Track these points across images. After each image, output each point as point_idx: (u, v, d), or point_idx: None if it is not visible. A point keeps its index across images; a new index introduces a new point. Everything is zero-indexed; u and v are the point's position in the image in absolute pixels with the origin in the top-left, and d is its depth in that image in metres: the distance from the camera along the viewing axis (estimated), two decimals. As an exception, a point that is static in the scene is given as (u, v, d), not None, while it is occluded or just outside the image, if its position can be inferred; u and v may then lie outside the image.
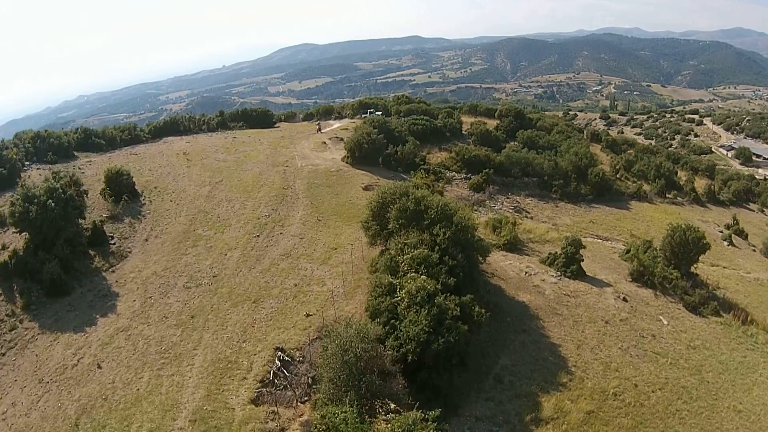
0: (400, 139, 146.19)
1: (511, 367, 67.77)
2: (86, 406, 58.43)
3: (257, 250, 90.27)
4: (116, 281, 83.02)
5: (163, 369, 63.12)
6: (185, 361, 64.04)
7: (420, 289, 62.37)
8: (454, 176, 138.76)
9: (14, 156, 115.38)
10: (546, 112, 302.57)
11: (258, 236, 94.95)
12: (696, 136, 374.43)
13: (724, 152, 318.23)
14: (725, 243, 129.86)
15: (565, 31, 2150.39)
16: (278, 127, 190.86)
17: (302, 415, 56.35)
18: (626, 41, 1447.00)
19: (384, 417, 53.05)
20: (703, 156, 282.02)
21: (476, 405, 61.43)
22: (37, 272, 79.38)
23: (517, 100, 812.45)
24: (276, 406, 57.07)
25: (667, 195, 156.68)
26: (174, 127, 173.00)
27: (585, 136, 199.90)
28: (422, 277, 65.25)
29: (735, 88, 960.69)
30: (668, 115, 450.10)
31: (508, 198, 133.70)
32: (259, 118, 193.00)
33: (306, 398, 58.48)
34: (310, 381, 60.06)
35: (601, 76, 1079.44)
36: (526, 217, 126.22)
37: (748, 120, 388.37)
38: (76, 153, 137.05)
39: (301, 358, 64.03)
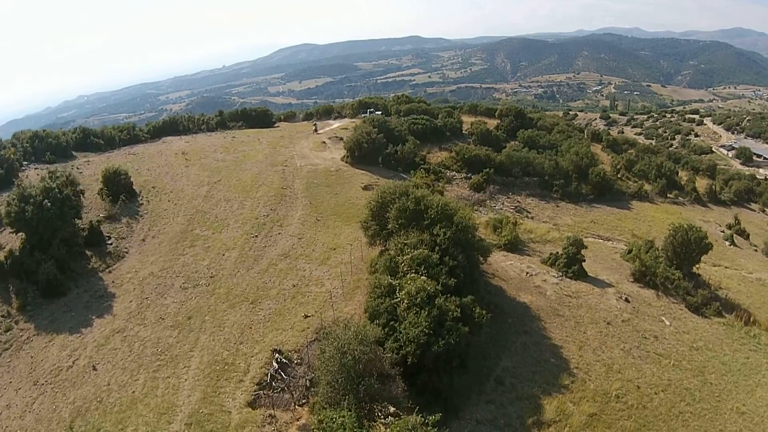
0: (400, 139, 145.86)
1: (513, 368, 67.07)
2: (81, 409, 57.76)
3: (255, 251, 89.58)
4: (113, 282, 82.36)
5: (159, 371, 62.42)
6: (181, 363, 63.33)
7: (420, 290, 61.61)
8: (455, 176, 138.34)
9: (12, 156, 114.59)
10: (546, 112, 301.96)
11: (256, 236, 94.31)
12: (696, 136, 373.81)
13: (725, 152, 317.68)
14: (727, 243, 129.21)
15: (565, 31, 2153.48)
16: (278, 126, 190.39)
17: (300, 418, 55.64)
18: (626, 41, 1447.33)
19: (383, 421, 52.34)
20: (703, 156, 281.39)
21: (477, 408, 60.68)
22: (33, 273, 78.72)
23: (517, 100, 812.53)
24: (273, 409, 56.39)
25: (668, 195, 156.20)
26: (173, 127, 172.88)
27: (586, 136, 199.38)
28: (422, 277, 64.45)
29: (735, 88, 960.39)
30: (668, 115, 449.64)
31: (508, 198, 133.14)
32: (259, 118, 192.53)
33: (304, 401, 57.75)
34: (308, 383, 59.36)
35: (601, 76, 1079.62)
36: (527, 217, 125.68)
37: (749, 120, 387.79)
38: (74, 153, 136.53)
39: (299, 360, 63.34)
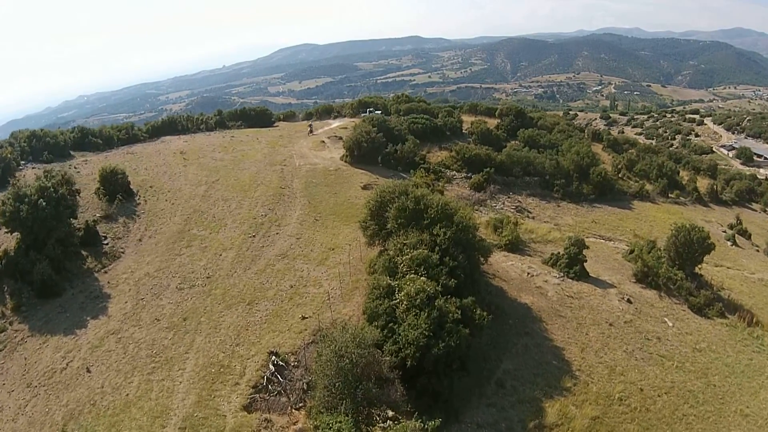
0: (400, 138, 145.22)
1: (514, 371, 66.13)
2: (74, 412, 57.12)
3: (253, 251, 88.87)
4: (108, 282, 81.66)
5: (154, 373, 61.70)
6: (176, 366, 62.57)
7: (419, 291, 60.68)
8: (455, 175, 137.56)
9: (8, 155, 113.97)
10: (546, 112, 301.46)
11: (254, 236, 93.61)
12: (697, 136, 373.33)
13: (725, 152, 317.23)
14: (729, 243, 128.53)
15: (565, 31, 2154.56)
16: (277, 126, 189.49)
17: (296, 422, 54.60)
18: (626, 41, 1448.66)
19: (382, 425, 51.60)
20: (704, 156, 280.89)
21: (478, 411, 59.72)
22: (28, 273, 78.01)
23: (517, 100, 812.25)
24: (269, 413, 55.50)
25: (669, 195, 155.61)
26: (172, 127, 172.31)
27: (586, 136, 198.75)
28: (422, 278, 63.58)
29: (735, 88, 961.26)
30: (669, 115, 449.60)
31: (509, 197, 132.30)
32: (258, 118, 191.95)
33: (301, 405, 56.76)
34: (305, 387, 58.36)
35: (602, 76, 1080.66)
36: (528, 216, 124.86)
37: (749, 120, 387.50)
38: (72, 152, 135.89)
39: (296, 363, 62.40)
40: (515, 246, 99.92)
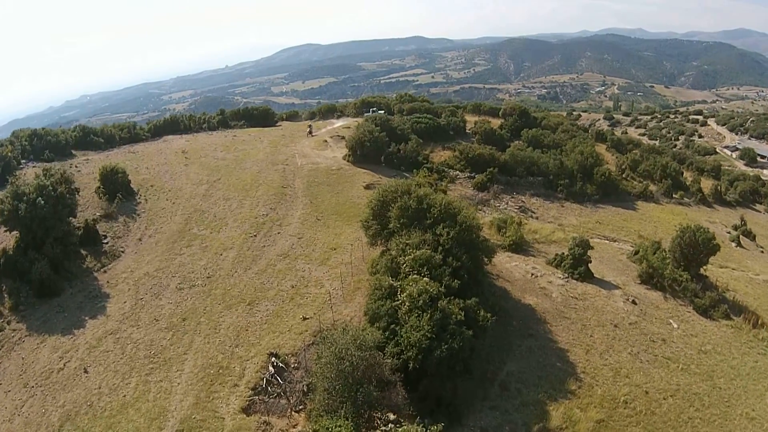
0: (403, 138, 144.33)
1: (518, 373, 65.32)
2: (70, 413, 56.81)
3: (254, 251, 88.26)
4: (107, 282, 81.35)
5: (152, 374, 61.26)
6: (174, 367, 62.06)
7: (422, 292, 59.95)
8: (458, 175, 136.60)
9: (8, 153, 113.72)
10: (550, 113, 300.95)
11: (255, 236, 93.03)
12: (700, 137, 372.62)
13: (729, 153, 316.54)
14: (733, 244, 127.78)
15: (568, 31, 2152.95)
16: (280, 126, 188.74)
17: (296, 425, 54.05)
18: (629, 42, 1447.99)
19: (383, 429, 50.93)
20: (707, 157, 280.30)
21: (481, 414, 58.99)
22: (27, 272, 77.70)
23: (520, 100, 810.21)
24: (268, 415, 54.92)
25: (673, 195, 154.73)
26: (174, 126, 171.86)
27: (590, 136, 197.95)
28: (424, 279, 62.83)
29: (738, 89, 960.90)
30: (672, 116, 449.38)
31: (512, 197, 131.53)
32: (261, 117, 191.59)
33: (301, 407, 56.17)
34: (305, 389, 57.74)
35: (605, 77, 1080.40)
36: (532, 217, 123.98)
37: (752, 121, 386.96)
38: (74, 151, 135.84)
39: (296, 365, 61.72)
40: (519, 246, 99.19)
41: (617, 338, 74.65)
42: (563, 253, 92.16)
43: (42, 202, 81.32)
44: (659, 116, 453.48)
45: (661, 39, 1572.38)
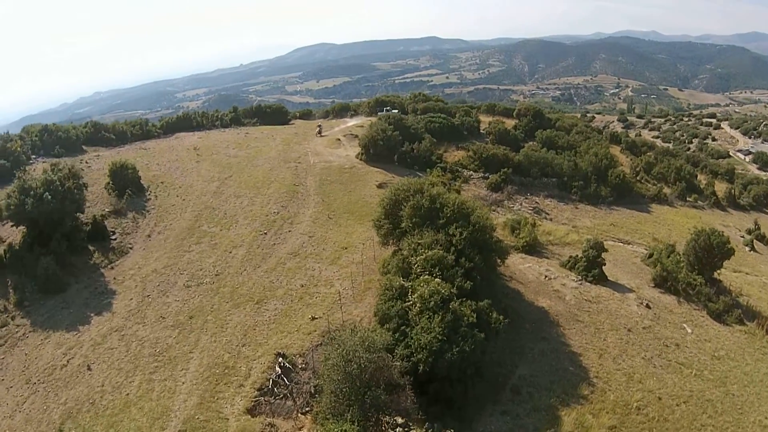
0: (417, 137, 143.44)
1: (530, 377, 64.22)
2: (72, 411, 56.20)
3: (263, 249, 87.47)
4: (114, 278, 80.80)
5: (156, 373, 60.48)
6: (179, 365, 61.29)
7: (433, 293, 58.94)
8: (472, 175, 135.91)
9: (18, 149, 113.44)
10: (564, 114, 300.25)
11: (265, 234, 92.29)
12: (714, 140, 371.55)
13: (742, 156, 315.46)
14: (747, 248, 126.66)
15: (582, 33, 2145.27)
16: (293, 124, 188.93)
17: (302, 428, 53.21)
18: (643, 44, 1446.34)
19: (391, 433, 49.58)
20: (721, 160, 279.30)
21: (492, 419, 57.89)
22: (32, 267, 77.13)
23: (534, 102, 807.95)
24: (273, 417, 54.04)
25: (687, 198, 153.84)
26: (186, 123, 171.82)
27: (604, 137, 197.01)
28: (436, 280, 61.75)
29: (751, 92, 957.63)
30: (686, 119, 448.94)
31: (526, 198, 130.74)
32: (274, 115, 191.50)
33: (307, 409, 55.25)
34: (312, 390, 56.89)
35: (619, 79, 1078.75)
36: (546, 218, 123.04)
37: (766, 124, 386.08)
38: (85, 147, 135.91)
39: (303, 365, 60.85)
40: (533, 248, 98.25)
41: (631, 342, 73.47)
42: (577, 256, 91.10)
43: (49, 197, 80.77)
44: (673, 119, 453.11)
45: (675, 42, 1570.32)
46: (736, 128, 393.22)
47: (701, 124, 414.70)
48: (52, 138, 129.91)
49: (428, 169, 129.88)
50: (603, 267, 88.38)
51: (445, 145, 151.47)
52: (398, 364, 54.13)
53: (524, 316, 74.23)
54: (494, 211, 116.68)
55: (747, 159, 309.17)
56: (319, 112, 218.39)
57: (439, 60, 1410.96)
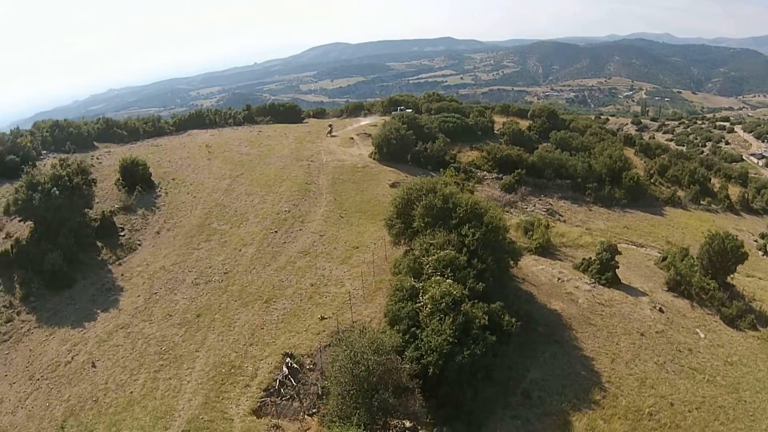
0: (430, 137, 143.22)
1: (541, 381, 63.49)
2: (75, 408, 56.00)
3: (274, 247, 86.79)
4: (122, 275, 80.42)
5: (161, 371, 60.06)
6: (185, 364, 60.79)
7: (445, 295, 58.12)
8: (485, 176, 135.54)
9: (28, 144, 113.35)
10: (579, 115, 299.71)
11: (276, 232, 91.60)
12: (727, 143, 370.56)
13: (755, 160, 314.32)
14: (760, 253, 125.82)
15: (596, 35, 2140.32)
16: (306, 122, 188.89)
17: (308, 430, 52.63)
18: (657, 47, 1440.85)
19: (398, 437, 48.74)
20: (734, 164, 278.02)
21: (502, 423, 57.14)
22: (39, 263, 76.65)
23: (549, 103, 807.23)
24: (279, 418, 53.49)
25: (701, 202, 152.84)
26: (199, 120, 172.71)
27: (618, 139, 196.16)
28: (448, 281, 60.87)
29: (764, 96, 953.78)
30: (699, 122, 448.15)
31: (540, 200, 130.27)
32: (287, 114, 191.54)
33: (314, 410, 54.70)
34: (319, 391, 56.24)
35: (633, 81, 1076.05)
36: (559, 220, 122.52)
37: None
38: (96, 143, 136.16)
39: (311, 366, 60.26)
40: (546, 250, 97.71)
41: (643, 347, 72.71)
42: (590, 258, 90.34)
43: (57, 192, 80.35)
44: (686, 122, 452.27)
45: (688, 44, 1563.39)
46: (750, 132, 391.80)
47: (714, 128, 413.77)
48: (64, 134, 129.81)
49: (441, 169, 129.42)
50: (616, 270, 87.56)
51: (458, 145, 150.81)
52: (407, 366, 53.39)
53: (537, 319, 73.39)
54: (507, 212, 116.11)
55: (760, 163, 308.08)
56: (332, 111, 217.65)
57: (454, 60, 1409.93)
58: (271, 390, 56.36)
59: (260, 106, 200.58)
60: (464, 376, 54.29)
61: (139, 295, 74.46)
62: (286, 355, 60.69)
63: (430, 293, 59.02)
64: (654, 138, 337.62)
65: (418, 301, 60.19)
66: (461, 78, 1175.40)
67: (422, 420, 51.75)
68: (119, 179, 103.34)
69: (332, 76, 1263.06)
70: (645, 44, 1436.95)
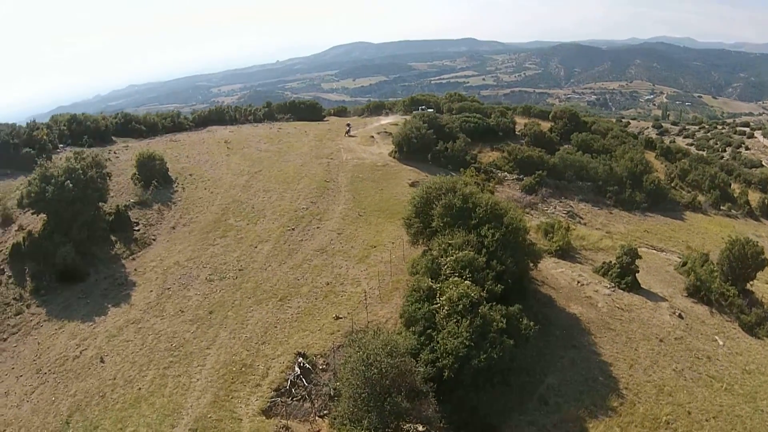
0: (451, 136, 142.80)
1: (558, 386, 62.43)
2: (81, 403, 55.51)
3: (290, 244, 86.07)
4: (135, 270, 79.94)
5: (170, 368, 59.38)
6: (195, 361, 60.09)
7: (462, 296, 57.01)
8: (506, 177, 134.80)
9: (44, 137, 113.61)
10: (600, 118, 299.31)
11: (293, 229, 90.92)
12: (747, 149, 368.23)
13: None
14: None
15: (617, 38, 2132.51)
16: (327, 120, 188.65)
17: (318, 431, 51.47)
18: (678, 51, 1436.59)
19: (411, 442, 47.79)
20: (754, 169, 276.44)
21: (517, 429, 56.19)
22: (51, 256, 76.26)
23: (570, 106, 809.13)
24: (289, 419, 52.49)
25: (721, 207, 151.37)
26: (219, 117, 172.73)
27: (639, 143, 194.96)
28: (466, 282, 59.79)
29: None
30: (719, 127, 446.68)
31: (561, 202, 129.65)
32: (308, 111, 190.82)
33: (325, 412, 53.84)
34: (331, 392, 55.37)
35: (654, 85, 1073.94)
36: (580, 222, 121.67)
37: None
38: (114, 138, 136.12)
39: (324, 366, 59.39)
40: (566, 252, 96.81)
41: (662, 353, 71.39)
42: (610, 262, 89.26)
43: (70, 185, 79.72)
44: (707, 126, 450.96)
45: (709, 49, 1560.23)
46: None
47: (734, 133, 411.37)
48: (81, 128, 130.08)
49: (462, 169, 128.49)
50: (636, 274, 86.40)
51: (479, 146, 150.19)
52: (422, 370, 52.54)
53: (555, 323, 72.37)
54: (528, 213, 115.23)
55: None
56: (353, 110, 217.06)
57: (476, 62, 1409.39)
58: (282, 390, 55.52)
59: (281, 103, 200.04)
60: (480, 380, 53.31)
61: (151, 291, 73.93)
62: (299, 354, 59.87)
63: (447, 294, 57.96)
64: (674, 142, 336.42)
65: (434, 302, 59.17)
66: (483, 79, 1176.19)
67: (435, 425, 50.72)
68: (135, 174, 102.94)
69: (354, 76, 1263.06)
70: (666, 48, 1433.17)
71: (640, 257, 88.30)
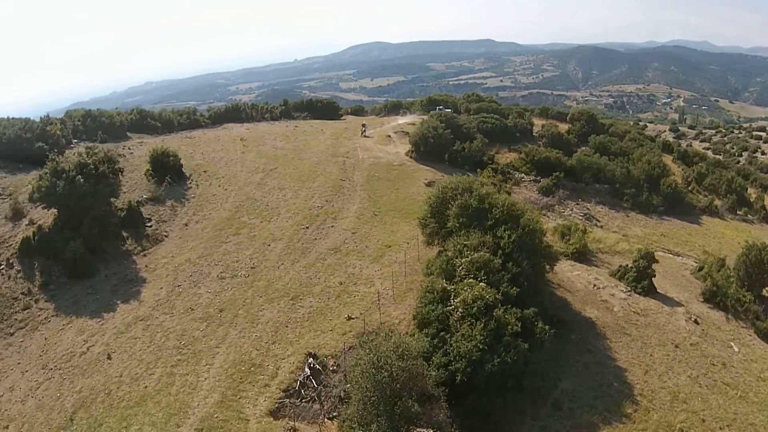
0: (468, 136, 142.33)
1: (572, 392, 61.54)
2: (86, 400, 54.97)
3: (304, 243, 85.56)
4: (146, 266, 79.52)
5: (178, 366, 58.77)
6: (204, 360, 59.46)
7: (477, 299, 56.25)
8: (523, 178, 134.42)
9: (57, 131, 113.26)
10: (618, 120, 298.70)
11: (307, 228, 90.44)
12: (763, 153, 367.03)
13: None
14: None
15: (635, 41, 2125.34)
16: (344, 119, 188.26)
17: (326, 434, 50.33)
18: (695, 55, 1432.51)
19: (421, 447, 46.97)
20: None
21: (530, 435, 55.06)
22: (61, 251, 75.95)
23: (587, 108, 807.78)
24: (297, 420, 51.79)
25: (737, 212, 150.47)
26: (236, 114, 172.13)
27: (657, 146, 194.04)
28: (481, 284, 59.03)
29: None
30: (736, 131, 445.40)
31: (578, 204, 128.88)
32: (325, 110, 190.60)
33: (334, 414, 53.00)
34: (342, 394, 54.50)
35: (671, 88, 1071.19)
36: (596, 225, 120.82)
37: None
38: (129, 134, 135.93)
39: (335, 367, 58.60)
40: (582, 255, 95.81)
41: (677, 359, 70.36)
42: (627, 265, 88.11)
43: (81, 180, 79.46)
44: (723, 131, 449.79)
45: (726, 53, 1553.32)
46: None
47: (751, 137, 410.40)
48: (96, 123, 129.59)
49: (479, 170, 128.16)
50: (653, 278, 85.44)
51: (496, 146, 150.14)
52: (433, 373, 51.60)
53: (570, 327, 71.51)
54: (544, 215, 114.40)
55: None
56: (371, 109, 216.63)
57: (494, 63, 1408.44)
58: (291, 391, 54.84)
59: (297, 101, 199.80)
60: (493, 384, 52.39)
61: (161, 288, 73.43)
62: (309, 355, 59.22)
63: (461, 296, 57.28)
64: (691, 146, 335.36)
65: (449, 304, 58.45)
66: (501, 80, 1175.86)
67: (447, 430, 49.82)
68: (149, 170, 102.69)
69: (372, 75, 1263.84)
70: (683, 51, 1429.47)
71: (657, 261, 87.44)
